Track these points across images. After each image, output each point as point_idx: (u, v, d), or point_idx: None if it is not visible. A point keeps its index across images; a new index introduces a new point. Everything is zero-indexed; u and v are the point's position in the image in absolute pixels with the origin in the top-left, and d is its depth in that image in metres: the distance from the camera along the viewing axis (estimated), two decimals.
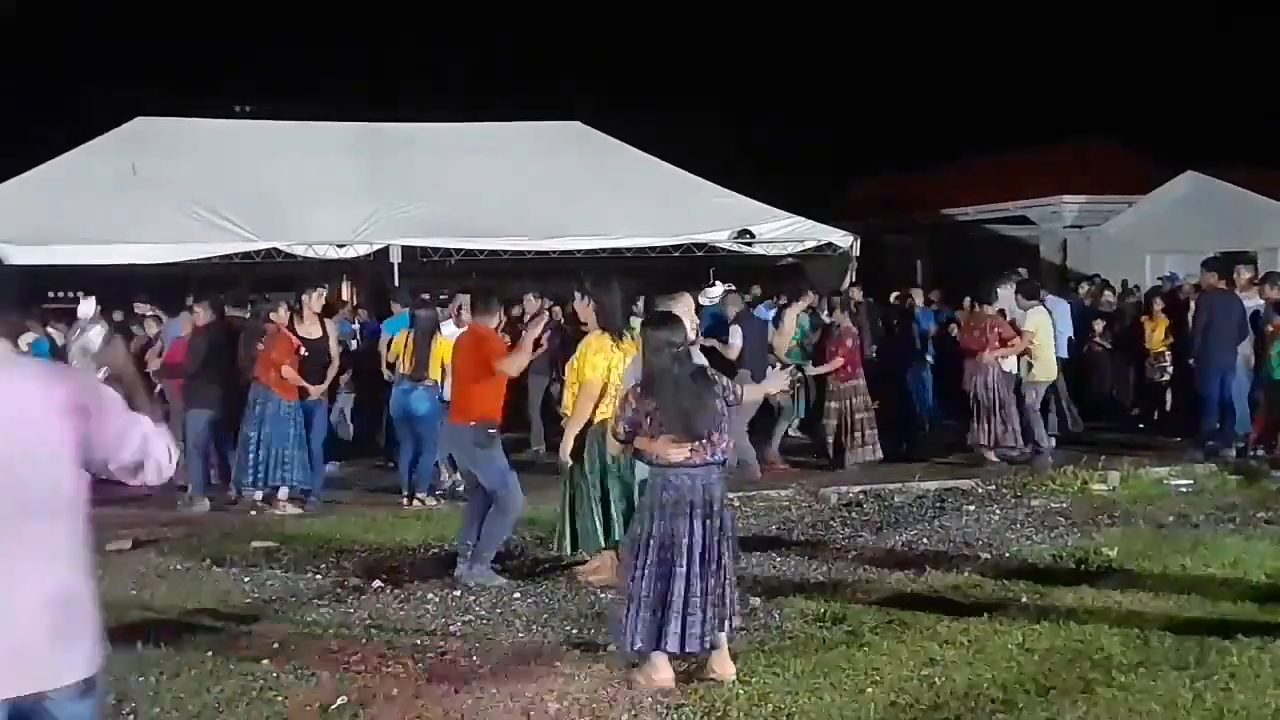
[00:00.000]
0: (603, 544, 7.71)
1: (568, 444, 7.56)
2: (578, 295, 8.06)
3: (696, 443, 5.57)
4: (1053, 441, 12.30)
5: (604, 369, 7.46)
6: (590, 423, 7.49)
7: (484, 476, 7.85)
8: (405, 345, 10.67)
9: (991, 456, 12.03)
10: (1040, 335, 12.06)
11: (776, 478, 11.33)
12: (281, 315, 10.56)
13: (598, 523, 7.63)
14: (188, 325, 11.31)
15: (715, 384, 5.76)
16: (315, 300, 10.87)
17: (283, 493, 10.43)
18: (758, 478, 11.17)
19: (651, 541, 5.61)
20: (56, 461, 2.91)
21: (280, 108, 20.31)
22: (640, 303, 11.46)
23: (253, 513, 10.40)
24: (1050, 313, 12.50)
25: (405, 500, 10.56)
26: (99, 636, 3.00)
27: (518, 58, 35.89)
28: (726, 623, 5.69)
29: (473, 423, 7.83)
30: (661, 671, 5.64)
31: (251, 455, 10.30)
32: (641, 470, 6.15)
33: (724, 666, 5.73)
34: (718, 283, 13.19)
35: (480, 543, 7.79)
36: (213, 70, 31.79)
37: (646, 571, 5.59)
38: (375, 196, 14.84)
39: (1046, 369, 12.16)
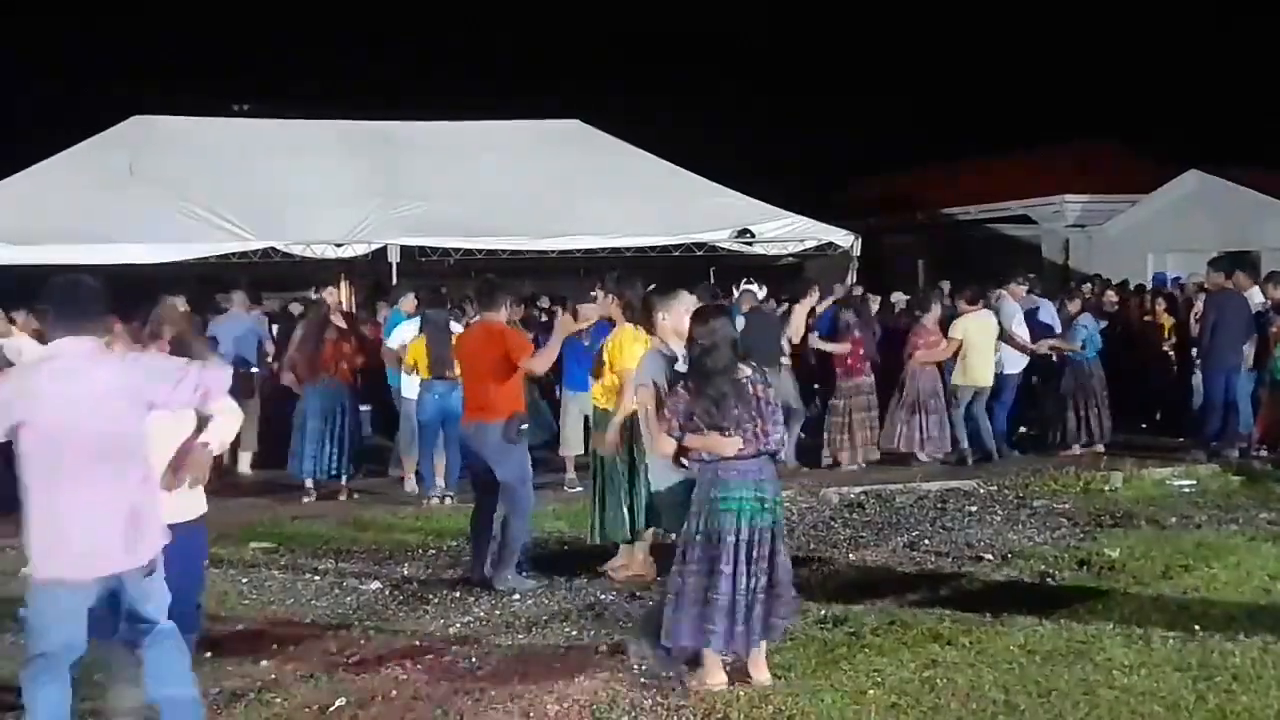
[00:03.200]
0: (629, 536, 7.74)
1: (614, 434, 7.52)
2: (598, 290, 7.99)
3: (747, 433, 5.52)
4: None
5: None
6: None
7: (506, 473, 7.69)
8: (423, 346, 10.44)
9: (922, 457, 12.04)
10: (972, 340, 11.88)
11: (789, 480, 11.24)
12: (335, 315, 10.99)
13: (625, 514, 7.67)
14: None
15: (751, 376, 5.65)
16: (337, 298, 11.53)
17: (343, 480, 10.83)
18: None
19: (698, 538, 5.57)
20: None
21: (279, 108, 20.24)
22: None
23: (305, 500, 10.58)
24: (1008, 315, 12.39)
25: (437, 499, 10.47)
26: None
27: (518, 58, 35.90)
28: (780, 622, 5.66)
29: (501, 419, 7.65)
30: (714, 674, 5.62)
31: (318, 445, 10.60)
32: (659, 475, 6.02)
33: (759, 671, 5.70)
34: (754, 280, 12.92)
35: (504, 548, 7.70)
36: (212, 70, 31.78)
37: (694, 568, 5.55)
38: (374, 196, 14.81)
39: (974, 374, 11.94)
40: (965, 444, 12.00)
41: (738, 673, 5.74)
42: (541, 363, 7.97)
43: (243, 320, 12.58)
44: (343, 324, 10.93)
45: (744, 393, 5.57)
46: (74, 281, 4.52)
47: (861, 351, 11.97)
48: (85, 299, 4.47)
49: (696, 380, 5.61)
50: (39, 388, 4.31)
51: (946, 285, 13.25)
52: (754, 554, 5.52)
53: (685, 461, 5.67)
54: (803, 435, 12.30)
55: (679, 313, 6.39)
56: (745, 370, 5.64)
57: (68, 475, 4.26)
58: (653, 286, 7.51)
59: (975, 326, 11.96)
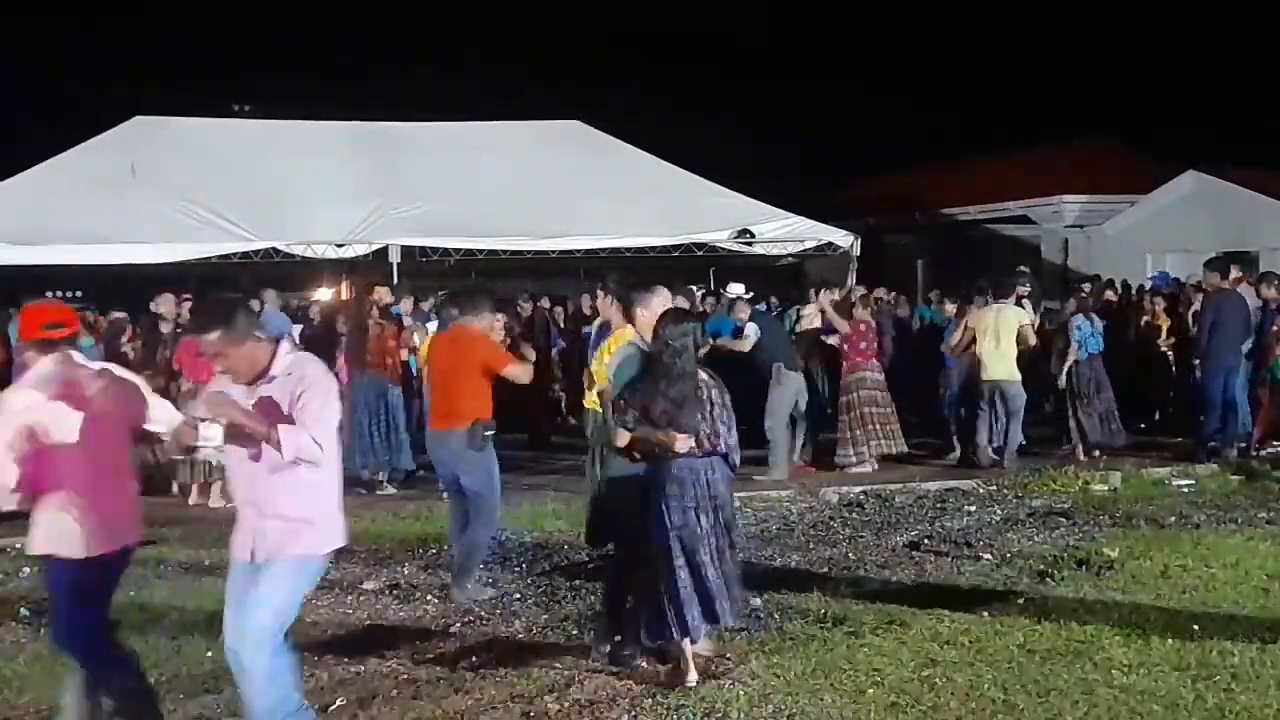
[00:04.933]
0: (589, 538, 7.67)
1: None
2: (599, 292, 7.89)
3: (700, 434, 5.65)
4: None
5: None
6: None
7: (471, 480, 7.45)
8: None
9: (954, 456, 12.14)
10: (980, 336, 11.74)
11: (789, 479, 11.24)
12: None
13: (591, 516, 7.57)
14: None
15: (707, 380, 5.79)
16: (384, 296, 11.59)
17: (383, 475, 11.10)
18: (781, 478, 11.16)
19: (673, 534, 5.69)
20: None
21: (280, 108, 20.28)
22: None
23: (362, 492, 10.63)
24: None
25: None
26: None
27: (518, 58, 35.95)
28: (733, 606, 5.78)
29: (466, 425, 7.39)
30: (690, 672, 5.70)
31: (367, 439, 10.89)
32: (621, 468, 6.11)
33: (705, 646, 5.89)
34: (740, 285, 12.90)
35: (465, 557, 7.48)
36: (213, 70, 31.83)
37: (676, 562, 5.66)
38: (374, 196, 14.82)
39: (985, 370, 11.77)
40: (982, 443, 11.84)
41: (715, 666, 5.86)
42: (524, 373, 7.71)
43: (278, 317, 12.79)
44: (383, 319, 11.12)
45: (700, 396, 5.71)
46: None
47: (863, 344, 11.81)
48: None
49: (662, 380, 5.70)
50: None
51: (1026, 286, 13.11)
52: (717, 545, 5.72)
53: (637, 455, 5.78)
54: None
55: (655, 308, 6.43)
56: (703, 375, 5.79)
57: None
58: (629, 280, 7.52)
59: (984, 322, 11.81)
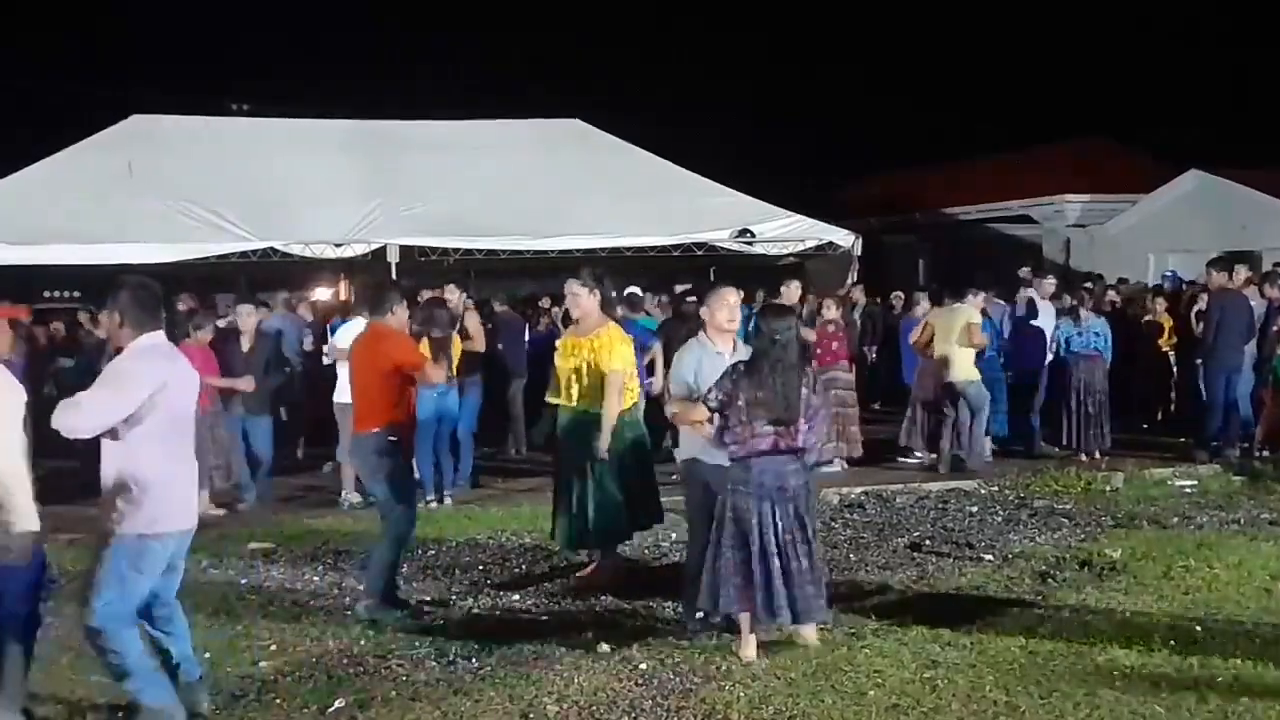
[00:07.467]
0: (575, 543, 7.69)
1: (606, 438, 7.39)
2: (583, 288, 7.67)
3: (783, 429, 5.85)
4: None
5: (629, 359, 7.41)
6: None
7: (378, 490, 7.08)
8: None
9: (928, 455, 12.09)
10: (944, 334, 11.65)
11: None
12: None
13: (574, 521, 7.55)
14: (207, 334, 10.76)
15: (806, 376, 6.00)
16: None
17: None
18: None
19: (729, 516, 5.95)
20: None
21: (278, 106, 20.26)
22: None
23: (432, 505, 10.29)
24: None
25: (434, 501, 10.35)
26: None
27: (517, 57, 35.94)
28: (821, 602, 6.00)
29: (376, 430, 6.98)
30: (748, 647, 5.98)
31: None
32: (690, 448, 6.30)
33: (808, 634, 6.13)
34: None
35: (369, 575, 7.11)
36: (210, 69, 31.83)
37: (724, 544, 5.93)
38: (373, 195, 14.76)
39: (947, 371, 11.69)
40: (944, 446, 11.79)
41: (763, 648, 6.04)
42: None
43: (288, 320, 12.74)
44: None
45: (802, 391, 5.90)
46: (147, 283, 5.18)
47: (835, 345, 11.81)
48: (159, 300, 5.17)
49: (768, 372, 5.86)
50: (166, 368, 5.05)
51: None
52: (786, 538, 5.90)
53: (726, 442, 5.95)
54: None
55: (713, 308, 6.45)
56: (809, 373, 6.02)
57: (176, 442, 5.06)
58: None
59: (941, 322, 11.76)
